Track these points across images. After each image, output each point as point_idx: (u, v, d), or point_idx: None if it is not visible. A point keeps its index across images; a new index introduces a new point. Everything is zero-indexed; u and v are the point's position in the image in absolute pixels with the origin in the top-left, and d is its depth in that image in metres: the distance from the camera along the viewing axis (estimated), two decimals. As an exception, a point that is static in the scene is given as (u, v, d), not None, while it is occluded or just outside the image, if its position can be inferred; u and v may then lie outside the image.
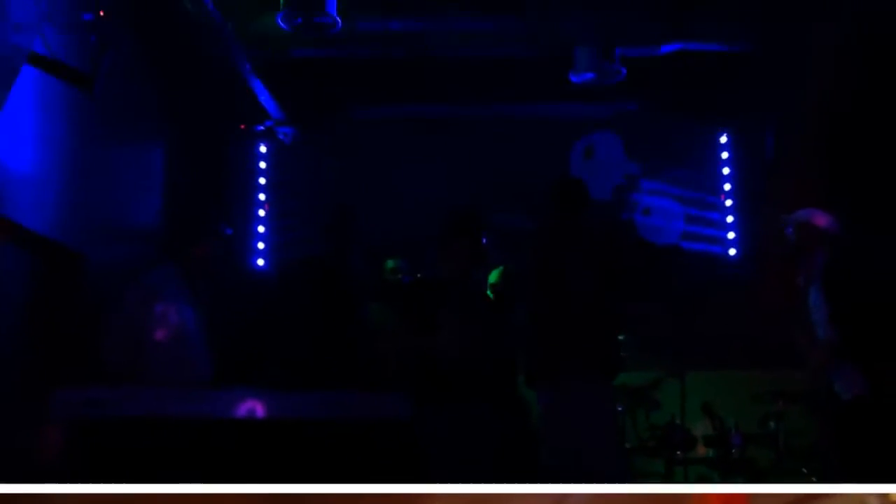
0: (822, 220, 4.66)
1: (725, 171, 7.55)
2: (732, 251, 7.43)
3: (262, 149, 7.48)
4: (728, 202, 7.49)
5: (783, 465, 5.54)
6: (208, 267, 4.77)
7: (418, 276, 5.17)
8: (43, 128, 4.76)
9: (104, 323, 4.56)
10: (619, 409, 5.48)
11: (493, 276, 5.31)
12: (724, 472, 5.57)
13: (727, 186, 7.52)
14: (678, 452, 5.61)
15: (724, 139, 7.59)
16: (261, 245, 7.36)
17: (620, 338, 5.40)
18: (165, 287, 4.63)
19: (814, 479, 5.52)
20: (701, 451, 5.75)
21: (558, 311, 4.43)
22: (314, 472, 3.67)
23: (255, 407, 3.72)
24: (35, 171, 4.69)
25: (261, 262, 7.34)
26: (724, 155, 7.58)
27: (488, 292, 5.37)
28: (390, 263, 5.89)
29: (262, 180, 7.46)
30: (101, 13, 4.40)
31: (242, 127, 7.24)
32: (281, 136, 7.25)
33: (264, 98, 6.80)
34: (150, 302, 4.55)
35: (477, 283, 4.92)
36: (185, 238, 4.77)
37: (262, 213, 7.40)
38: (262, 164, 7.48)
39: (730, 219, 7.48)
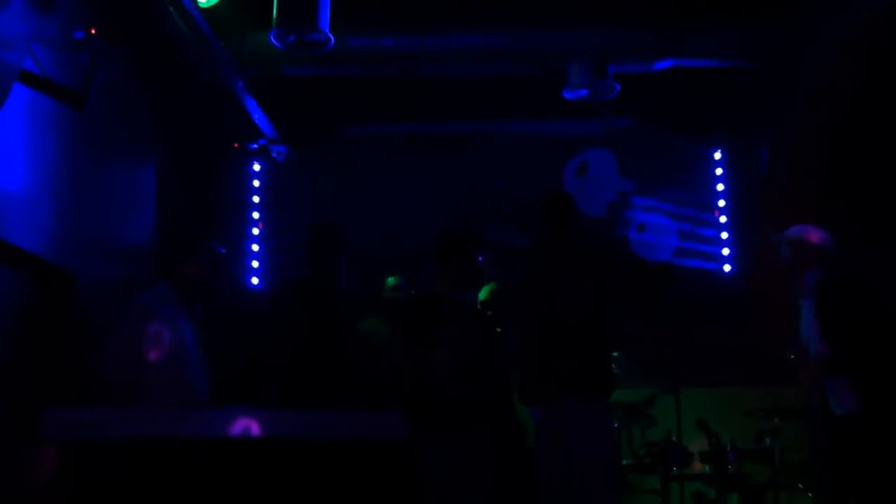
0: (815, 236, 4.66)
1: (720, 187, 7.56)
2: (727, 267, 7.42)
3: (256, 167, 7.47)
4: (722, 218, 7.50)
5: (779, 481, 5.51)
6: (201, 285, 4.76)
7: (413, 293, 5.14)
8: (34, 146, 4.74)
9: (101, 343, 4.54)
10: (616, 425, 5.45)
11: (484, 293, 5.29)
12: (721, 487, 5.55)
13: (721, 203, 7.53)
14: (674, 468, 5.58)
15: (717, 155, 7.60)
16: (255, 263, 7.34)
17: (614, 354, 5.40)
18: (161, 306, 4.61)
19: (809, 494, 5.51)
20: (697, 466, 5.72)
21: (552, 327, 4.42)
22: (307, 493, 3.64)
23: (249, 426, 3.69)
24: (26, 189, 4.67)
25: (255, 280, 7.31)
26: (719, 171, 7.59)
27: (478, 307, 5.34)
28: (391, 281, 5.88)
29: (255, 198, 7.45)
30: (92, 31, 4.39)
31: (236, 145, 7.23)
32: (274, 155, 7.24)
33: (257, 116, 6.80)
34: (145, 321, 4.54)
35: (471, 301, 4.91)
36: (178, 257, 4.77)
37: (255, 231, 7.38)
38: (256, 183, 7.47)
39: (724, 235, 7.48)
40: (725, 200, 7.53)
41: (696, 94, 6.95)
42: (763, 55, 6.37)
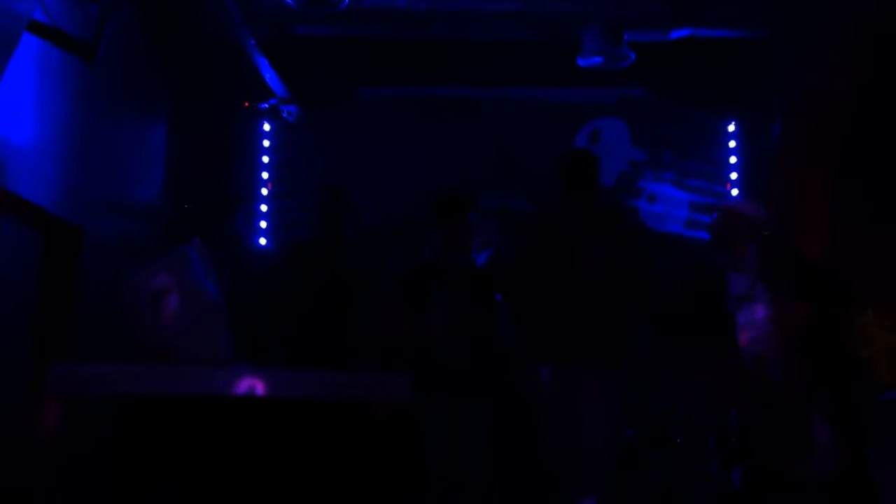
0: (749, 210, 4.64)
1: (732, 159, 7.50)
2: (736, 240, 7.38)
3: (266, 127, 7.42)
4: (734, 191, 7.44)
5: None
6: (221, 247, 4.81)
7: (414, 258, 5.12)
8: (43, 99, 4.71)
9: (128, 301, 4.56)
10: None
11: (484, 258, 5.27)
12: (724, 461, 5.54)
13: (733, 175, 7.47)
14: (678, 441, 5.57)
15: (731, 127, 7.53)
16: (263, 224, 7.32)
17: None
18: (186, 266, 4.66)
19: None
20: (700, 440, 5.71)
21: (567, 286, 4.26)
22: (309, 452, 3.65)
23: (254, 385, 3.69)
24: (35, 142, 4.64)
25: (263, 240, 7.30)
26: (732, 144, 7.52)
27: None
28: None
29: (265, 159, 7.41)
30: (102, -18, 4.35)
31: (246, 105, 7.18)
32: (285, 115, 7.19)
33: (269, 76, 6.75)
34: (171, 280, 4.57)
35: (468, 267, 4.86)
36: (210, 216, 4.82)
37: (264, 192, 7.35)
38: (266, 143, 7.43)
39: (735, 208, 7.42)
40: (737, 173, 7.48)
41: (712, 64, 6.86)
42: (780, 26, 6.29)
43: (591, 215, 4.40)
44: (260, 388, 3.69)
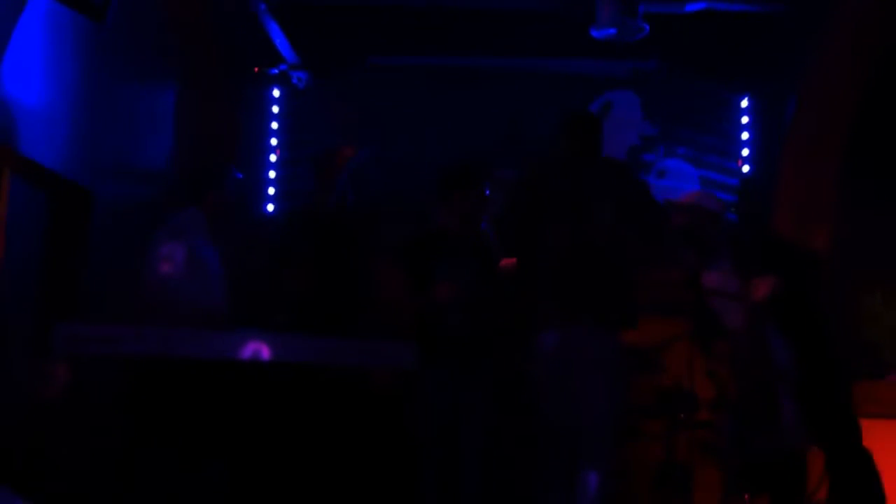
0: (710, 203, 4.59)
1: (745, 135, 7.44)
2: (747, 216, 7.35)
3: (276, 93, 7.39)
4: (745, 167, 7.39)
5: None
6: (225, 213, 4.81)
7: (422, 226, 5.08)
8: (52, 60, 4.69)
9: (137, 262, 4.59)
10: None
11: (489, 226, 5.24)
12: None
13: (745, 151, 7.42)
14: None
15: (745, 103, 7.46)
16: (271, 190, 7.31)
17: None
18: (192, 229, 4.67)
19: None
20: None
21: (571, 249, 4.10)
22: (312, 417, 3.67)
23: (259, 350, 3.71)
24: (43, 104, 4.63)
25: (271, 207, 7.29)
26: (745, 119, 7.46)
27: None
28: None
29: (274, 125, 7.39)
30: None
31: (256, 70, 7.15)
32: (294, 81, 7.16)
33: (279, 41, 6.71)
34: (178, 242, 4.59)
35: (476, 237, 4.84)
36: (199, 182, 4.80)
37: (273, 158, 7.34)
38: (275, 109, 7.40)
39: (746, 184, 7.39)
40: (749, 149, 7.42)
41: (726, 38, 6.80)
42: (796, 1, 6.23)
43: (595, 176, 4.25)
44: (265, 352, 3.71)
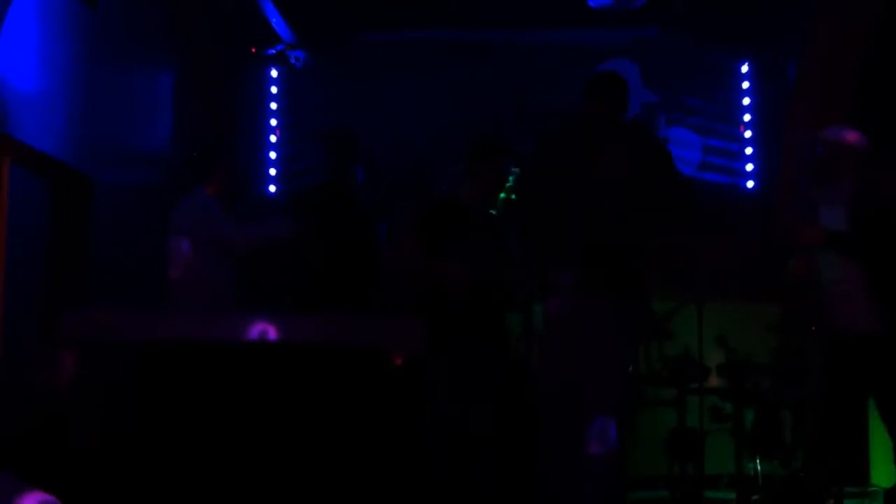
0: (852, 138, 4.50)
1: (746, 101, 7.40)
2: (750, 183, 7.32)
3: (274, 73, 7.35)
4: (747, 133, 7.36)
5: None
6: (225, 191, 4.81)
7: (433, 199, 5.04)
8: (48, 46, 4.66)
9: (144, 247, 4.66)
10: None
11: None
12: (737, 402, 5.54)
13: (747, 117, 7.38)
14: (691, 382, 5.58)
15: (745, 68, 7.42)
16: (272, 171, 7.28)
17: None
18: (204, 209, 4.70)
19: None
20: (714, 381, 5.71)
21: (581, 210, 3.92)
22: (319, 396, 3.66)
23: (266, 330, 3.69)
24: (40, 90, 4.60)
25: (272, 188, 7.27)
26: (745, 85, 7.42)
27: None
28: None
29: (273, 105, 7.35)
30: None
31: (253, 50, 7.10)
32: (292, 60, 7.11)
33: (275, 21, 6.65)
34: (181, 236, 4.64)
35: (490, 212, 4.81)
36: (211, 164, 4.83)
37: (273, 138, 7.30)
38: (274, 89, 7.36)
39: (748, 150, 7.35)
40: (751, 115, 7.38)
41: (725, 4, 6.74)
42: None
43: (610, 140, 4.06)
44: (272, 332, 3.69)
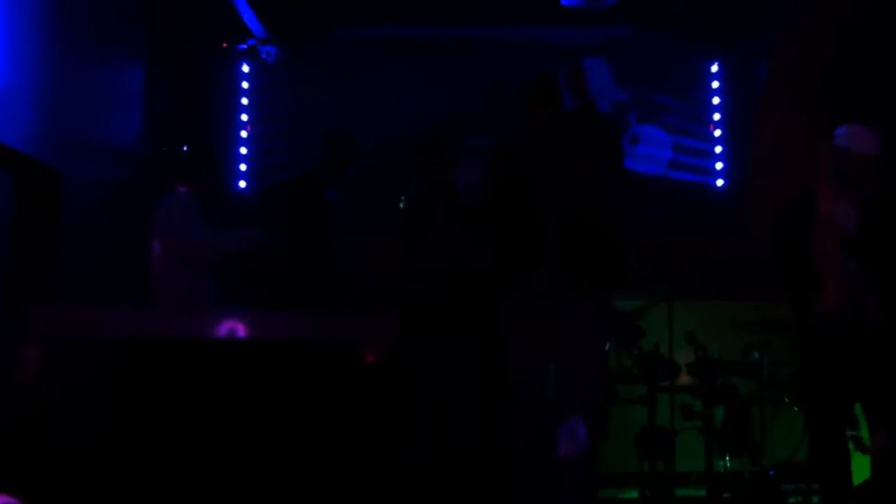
0: (869, 145, 4.42)
1: (716, 100, 7.47)
2: (720, 182, 7.38)
3: (245, 68, 7.30)
4: (717, 132, 7.43)
5: (765, 394, 5.57)
6: (206, 191, 4.89)
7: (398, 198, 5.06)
8: (14, 38, 4.59)
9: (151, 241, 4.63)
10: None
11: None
12: (707, 399, 5.59)
13: (717, 116, 7.45)
14: (661, 380, 5.62)
15: (715, 68, 7.48)
16: (243, 167, 7.24)
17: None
18: (182, 212, 4.68)
19: (795, 408, 5.57)
20: (684, 378, 5.77)
21: (542, 210, 3.91)
22: (292, 393, 3.64)
23: (235, 327, 3.67)
24: (7, 82, 4.53)
25: (243, 183, 7.22)
26: (715, 84, 7.49)
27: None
28: None
29: (244, 101, 7.30)
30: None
31: (224, 45, 7.05)
32: (264, 56, 7.07)
33: (247, 15, 6.61)
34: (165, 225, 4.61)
35: (452, 201, 4.80)
36: (193, 164, 4.83)
37: (244, 134, 7.26)
38: (245, 84, 7.31)
39: (718, 149, 7.42)
40: (721, 114, 7.45)
41: (696, 4, 6.79)
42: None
43: (569, 141, 4.06)
44: (241, 330, 3.67)
